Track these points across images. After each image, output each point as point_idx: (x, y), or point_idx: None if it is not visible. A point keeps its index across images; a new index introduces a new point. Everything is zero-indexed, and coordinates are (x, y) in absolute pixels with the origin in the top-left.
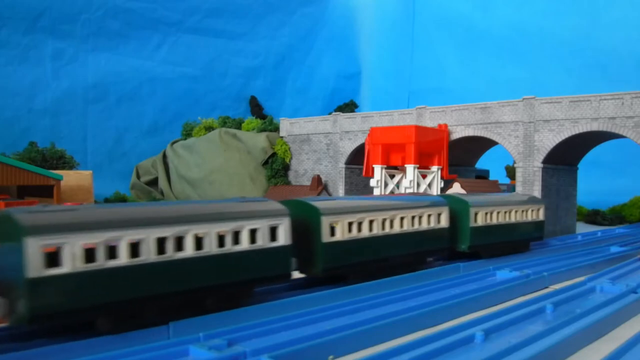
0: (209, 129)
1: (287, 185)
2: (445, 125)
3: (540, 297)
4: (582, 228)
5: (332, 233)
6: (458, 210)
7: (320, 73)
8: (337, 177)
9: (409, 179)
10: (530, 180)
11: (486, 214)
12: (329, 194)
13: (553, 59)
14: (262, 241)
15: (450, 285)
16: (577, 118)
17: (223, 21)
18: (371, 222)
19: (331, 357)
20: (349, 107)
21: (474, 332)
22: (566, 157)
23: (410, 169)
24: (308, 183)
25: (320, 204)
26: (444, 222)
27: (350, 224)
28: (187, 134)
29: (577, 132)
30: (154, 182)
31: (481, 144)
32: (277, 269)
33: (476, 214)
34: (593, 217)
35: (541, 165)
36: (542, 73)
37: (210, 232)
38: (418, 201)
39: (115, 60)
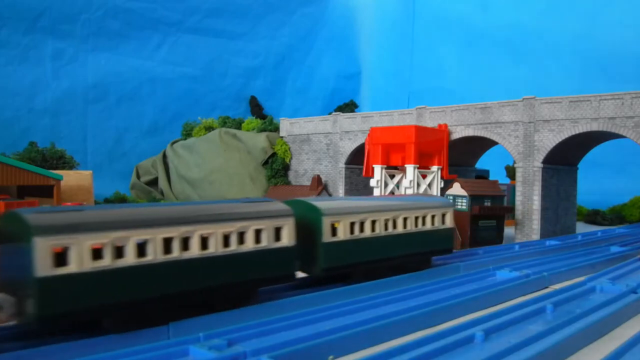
0: (209, 129)
1: (287, 185)
2: (445, 125)
3: (540, 297)
4: (582, 228)
5: (59, 262)
6: (309, 220)
7: (320, 73)
8: (337, 177)
9: (409, 179)
10: (530, 180)
11: (352, 223)
12: (329, 194)
13: (553, 59)
14: None
15: (450, 285)
16: (577, 118)
17: (223, 21)
18: (141, 246)
19: (331, 357)
20: (349, 107)
21: (474, 332)
22: (566, 157)
23: (410, 169)
24: (308, 183)
25: (34, 217)
26: (287, 239)
27: (96, 249)
28: (187, 134)
29: (577, 132)
30: (154, 182)
31: (481, 144)
32: None
33: (334, 225)
34: (593, 217)
35: (541, 165)
36: (542, 73)
37: None
38: (238, 211)
39: (115, 60)
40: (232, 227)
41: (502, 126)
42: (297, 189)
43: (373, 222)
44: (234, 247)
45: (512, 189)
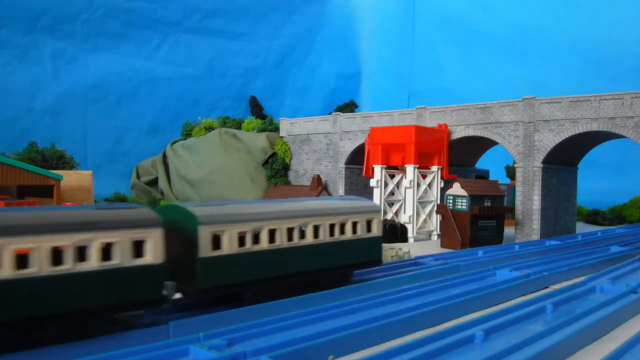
0: (209, 129)
1: (287, 185)
2: (445, 125)
3: (540, 297)
4: (582, 228)
5: None
6: (184, 230)
7: (320, 73)
8: (337, 177)
9: (409, 179)
10: (530, 180)
11: (242, 233)
12: (329, 194)
13: (553, 59)
14: None
15: (450, 285)
16: (577, 118)
17: (223, 21)
18: None
19: (331, 357)
20: (349, 107)
21: (474, 332)
22: (566, 157)
23: (410, 169)
24: (308, 183)
25: None
26: (151, 256)
27: None
28: (187, 134)
29: (577, 132)
30: (154, 182)
31: (481, 144)
32: None
33: (216, 236)
34: (593, 217)
35: (541, 165)
36: (542, 73)
37: None
38: (73, 220)
39: (115, 60)
40: (66, 241)
41: (502, 126)
42: (297, 189)
43: (272, 232)
44: (69, 265)
45: (512, 189)
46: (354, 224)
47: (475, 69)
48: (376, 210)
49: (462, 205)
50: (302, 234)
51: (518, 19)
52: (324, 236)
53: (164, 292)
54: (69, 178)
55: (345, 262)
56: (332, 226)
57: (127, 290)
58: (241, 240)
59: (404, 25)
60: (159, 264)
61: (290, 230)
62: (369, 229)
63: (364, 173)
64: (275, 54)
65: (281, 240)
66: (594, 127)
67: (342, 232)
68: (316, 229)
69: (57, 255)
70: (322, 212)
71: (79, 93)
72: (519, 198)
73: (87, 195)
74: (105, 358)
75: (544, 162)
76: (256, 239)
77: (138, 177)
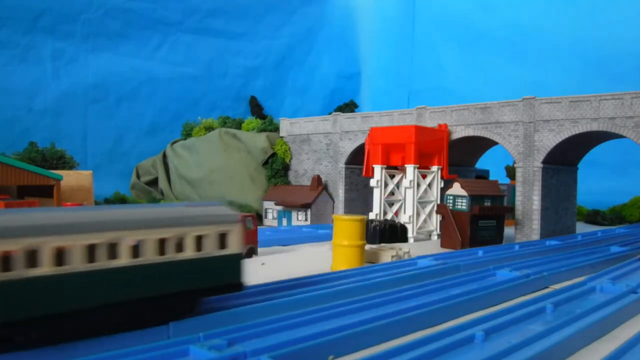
0: (209, 129)
1: (287, 185)
2: (445, 125)
3: (540, 297)
4: (582, 228)
5: None
6: None
7: (320, 73)
8: (337, 177)
9: (409, 179)
10: (530, 180)
11: (5, 254)
12: (330, 194)
13: (553, 59)
14: None
15: (450, 285)
16: (577, 118)
17: (223, 21)
18: None
19: (331, 357)
20: (349, 107)
21: (474, 332)
22: (566, 157)
23: (410, 169)
24: (308, 183)
25: None
26: None
27: None
28: (187, 134)
29: (577, 132)
30: (154, 182)
31: (481, 144)
32: None
33: None
34: (593, 217)
35: (541, 165)
36: (542, 73)
37: None
38: None
39: (115, 60)
40: None
41: (502, 126)
42: (297, 189)
43: (60, 250)
44: None
45: (512, 189)
46: (198, 239)
47: (475, 69)
48: (233, 220)
49: (462, 205)
50: (113, 253)
51: (518, 19)
52: (148, 255)
53: None
54: (69, 178)
55: (185, 288)
56: (162, 241)
57: None
58: (5, 263)
59: (404, 25)
60: None
61: (91, 249)
62: (222, 245)
63: (364, 173)
64: (275, 54)
65: (77, 262)
66: (594, 127)
67: (180, 249)
68: (136, 245)
69: None
70: (147, 224)
71: (79, 93)
72: (519, 198)
73: (87, 195)
74: (105, 358)
75: (544, 162)
76: (33, 260)
77: (138, 177)
